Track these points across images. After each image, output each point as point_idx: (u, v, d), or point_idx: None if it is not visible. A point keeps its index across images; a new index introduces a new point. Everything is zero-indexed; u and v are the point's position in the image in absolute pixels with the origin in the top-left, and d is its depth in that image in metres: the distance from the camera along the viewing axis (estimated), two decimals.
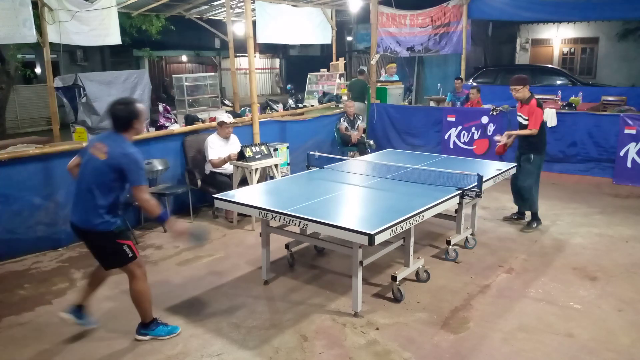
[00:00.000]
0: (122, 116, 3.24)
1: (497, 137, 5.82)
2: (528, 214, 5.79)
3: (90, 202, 3.18)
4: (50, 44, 7.74)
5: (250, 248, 5.23)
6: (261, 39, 9.97)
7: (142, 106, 3.37)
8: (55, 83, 8.82)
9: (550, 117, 7.58)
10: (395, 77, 10.39)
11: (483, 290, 4.20)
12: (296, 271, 4.67)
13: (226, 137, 6.18)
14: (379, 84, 9.54)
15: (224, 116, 6.28)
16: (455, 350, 3.35)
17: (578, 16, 11.00)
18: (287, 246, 4.75)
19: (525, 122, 5.44)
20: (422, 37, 10.78)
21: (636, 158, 7.10)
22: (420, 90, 15.55)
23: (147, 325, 3.50)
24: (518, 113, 5.59)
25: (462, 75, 10.69)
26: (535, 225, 5.60)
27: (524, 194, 5.57)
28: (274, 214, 3.75)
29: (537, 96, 9.10)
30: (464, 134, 8.50)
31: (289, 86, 13.58)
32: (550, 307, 3.90)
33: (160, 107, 10.01)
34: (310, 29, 10.92)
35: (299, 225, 3.71)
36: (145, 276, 3.45)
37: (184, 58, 22.03)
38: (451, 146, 8.62)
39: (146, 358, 3.34)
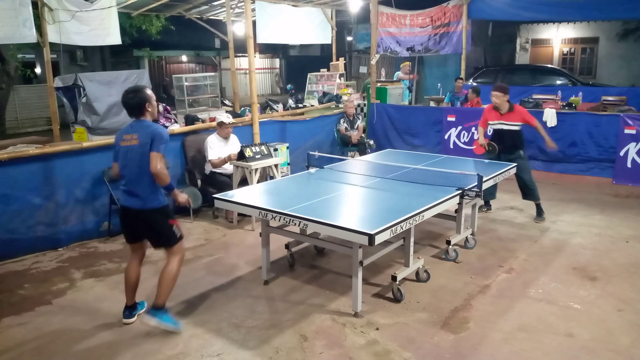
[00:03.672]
0: (134, 103, 3.52)
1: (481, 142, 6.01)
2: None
3: (143, 185, 3.49)
4: (50, 44, 7.74)
5: (250, 248, 5.23)
6: (261, 39, 9.96)
7: (150, 91, 3.62)
8: (55, 83, 8.82)
9: (550, 117, 7.58)
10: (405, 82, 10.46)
11: (483, 290, 4.20)
12: (296, 271, 4.67)
13: (226, 137, 6.18)
14: (388, 84, 9.59)
15: (223, 116, 6.28)
16: (455, 350, 3.35)
17: (578, 16, 11.00)
18: (287, 246, 4.75)
19: (515, 127, 5.74)
20: (422, 37, 10.78)
21: (636, 158, 7.10)
22: (420, 90, 15.55)
23: (158, 310, 3.54)
24: (499, 121, 5.81)
25: (462, 75, 10.69)
26: (543, 214, 5.93)
27: (530, 186, 5.86)
28: (274, 214, 3.75)
29: (537, 96, 9.21)
30: (464, 134, 8.49)
31: (289, 86, 13.56)
32: (550, 307, 3.90)
33: (160, 107, 9.99)
34: (310, 29, 10.91)
35: (299, 225, 3.71)
36: (183, 260, 3.70)
37: (184, 58, 22.02)
38: (451, 146, 8.61)
39: (146, 358, 3.34)
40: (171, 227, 3.60)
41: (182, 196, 3.71)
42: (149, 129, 3.47)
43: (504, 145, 5.81)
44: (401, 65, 10.86)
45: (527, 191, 5.90)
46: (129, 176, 3.54)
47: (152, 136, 3.43)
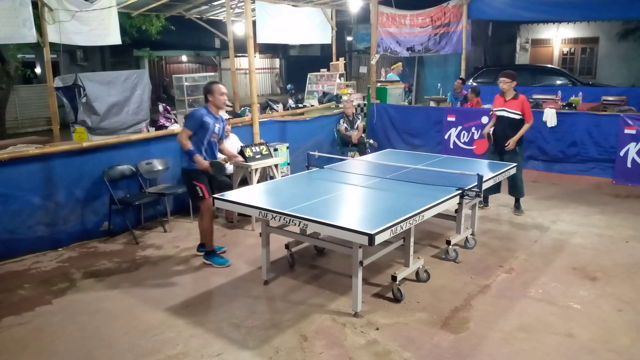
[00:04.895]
0: (203, 91, 4.70)
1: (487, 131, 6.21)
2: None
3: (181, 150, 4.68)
4: (50, 44, 7.73)
5: (250, 248, 5.23)
6: (261, 39, 9.96)
7: (218, 85, 4.63)
8: (55, 83, 8.83)
9: (550, 117, 7.59)
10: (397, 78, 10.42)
11: (483, 290, 4.20)
12: (296, 271, 4.67)
13: (225, 136, 6.17)
14: (388, 84, 9.57)
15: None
16: (455, 350, 3.35)
17: (578, 16, 10.99)
18: (287, 246, 4.75)
19: (515, 116, 5.88)
20: (422, 37, 10.77)
21: (636, 158, 7.10)
22: (420, 90, 15.54)
23: (209, 254, 4.75)
24: (503, 108, 5.98)
25: (462, 76, 10.69)
26: (522, 207, 6.19)
27: (518, 183, 6.05)
28: (274, 214, 3.75)
29: (537, 96, 9.22)
30: (464, 134, 8.49)
31: (289, 86, 13.55)
32: (550, 307, 3.90)
33: (160, 107, 9.99)
34: (310, 29, 10.90)
35: (299, 225, 3.70)
36: (211, 215, 4.71)
37: (184, 58, 22.02)
38: (451, 146, 8.62)
39: (146, 358, 3.34)
40: (194, 187, 4.56)
41: (203, 164, 4.51)
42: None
43: (504, 136, 5.93)
44: (392, 67, 10.82)
45: (515, 187, 6.08)
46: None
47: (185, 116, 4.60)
